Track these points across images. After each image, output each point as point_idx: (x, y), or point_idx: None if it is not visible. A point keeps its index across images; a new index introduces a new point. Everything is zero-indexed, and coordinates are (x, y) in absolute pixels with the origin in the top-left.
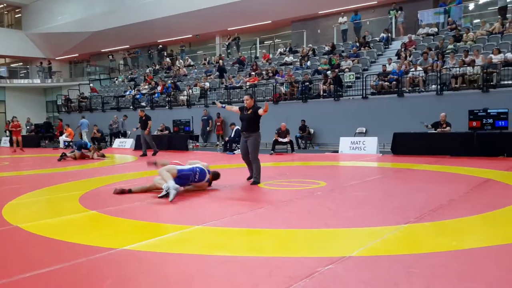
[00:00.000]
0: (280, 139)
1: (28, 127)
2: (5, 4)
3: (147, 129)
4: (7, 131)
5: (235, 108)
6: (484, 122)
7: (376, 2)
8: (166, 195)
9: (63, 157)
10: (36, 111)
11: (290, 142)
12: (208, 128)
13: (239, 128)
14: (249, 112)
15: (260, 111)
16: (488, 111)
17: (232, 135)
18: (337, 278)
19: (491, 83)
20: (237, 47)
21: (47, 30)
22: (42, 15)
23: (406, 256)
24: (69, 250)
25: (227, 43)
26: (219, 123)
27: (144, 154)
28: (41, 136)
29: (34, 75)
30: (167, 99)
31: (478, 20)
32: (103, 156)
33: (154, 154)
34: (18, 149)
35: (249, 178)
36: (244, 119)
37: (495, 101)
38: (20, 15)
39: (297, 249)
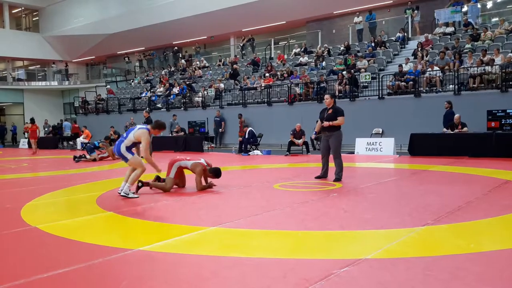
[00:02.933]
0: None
1: (46, 129)
2: (22, 8)
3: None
4: (25, 133)
5: (319, 123)
6: (503, 122)
7: (391, 1)
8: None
9: (80, 158)
10: (53, 113)
11: (305, 143)
12: (220, 129)
13: (252, 130)
14: (329, 112)
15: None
16: (508, 111)
17: (246, 136)
18: (353, 280)
19: (510, 83)
20: (252, 48)
21: (64, 32)
22: (59, 18)
23: (423, 258)
24: (86, 251)
25: (241, 44)
26: (240, 124)
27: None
28: (58, 137)
29: (52, 78)
30: (182, 100)
31: (497, 19)
32: None
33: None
34: (33, 150)
35: (317, 177)
36: (324, 119)
37: None
38: (37, 18)
39: (313, 251)
